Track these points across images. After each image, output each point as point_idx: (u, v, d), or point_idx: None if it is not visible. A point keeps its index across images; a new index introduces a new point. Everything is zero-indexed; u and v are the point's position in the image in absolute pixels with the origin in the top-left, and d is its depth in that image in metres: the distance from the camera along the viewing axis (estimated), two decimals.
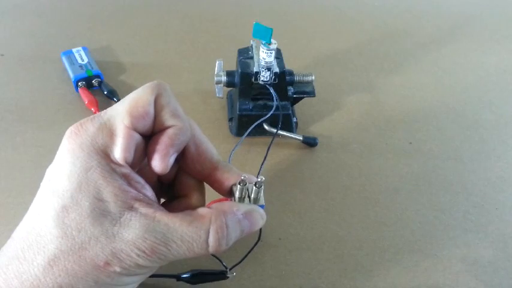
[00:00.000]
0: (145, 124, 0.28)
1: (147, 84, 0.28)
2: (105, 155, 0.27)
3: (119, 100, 0.51)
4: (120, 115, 0.27)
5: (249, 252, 0.37)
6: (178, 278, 0.36)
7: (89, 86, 0.52)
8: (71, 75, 0.52)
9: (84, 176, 0.26)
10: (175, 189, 0.32)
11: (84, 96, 0.51)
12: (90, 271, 0.25)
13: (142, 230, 0.25)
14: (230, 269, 0.36)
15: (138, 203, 0.26)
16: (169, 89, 0.29)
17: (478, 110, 0.55)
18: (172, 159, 0.28)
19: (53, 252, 0.25)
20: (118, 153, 0.27)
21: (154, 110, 0.28)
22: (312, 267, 0.39)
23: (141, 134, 0.28)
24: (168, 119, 0.28)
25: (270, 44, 0.43)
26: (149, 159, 0.28)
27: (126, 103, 0.28)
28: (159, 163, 0.28)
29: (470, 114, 0.55)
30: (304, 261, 0.39)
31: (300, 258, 0.40)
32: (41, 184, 0.27)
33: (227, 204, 0.29)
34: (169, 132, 0.28)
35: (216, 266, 0.36)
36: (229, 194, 0.30)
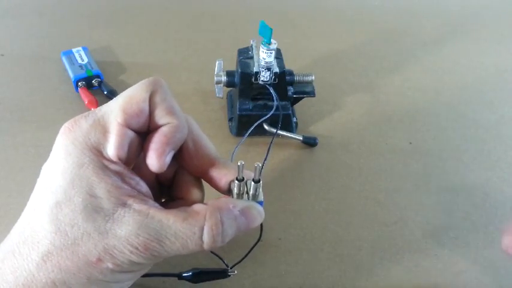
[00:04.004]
0: (140, 121, 0.27)
1: (143, 81, 0.28)
2: (97, 151, 0.26)
3: None
4: (114, 112, 0.27)
5: (250, 250, 0.37)
6: (179, 276, 0.36)
7: (89, 86, 0.52)
8: (71, 75, 0.52)
9: (77, 172, 0.26)
10: (174, 190, 0.31)
11: (84, 96, 0.51)
12: (82, 267, 0.25)
13: (135, 227, 0.25)
14: (231, 268, 0.36)
15: (131, 200, 0.26)
16: (166, 85, 0.29)
17: (478, 110, 0.55)
18: (168, 158, 0.28)
19: (46, 248, 0.25)
20: (111, 150, 0.27)
21: (149, 107, 0.28)
22: (312, 267, 0.39)
23: (136, 131, 0.28)
24: (163, 117, 0.28)
25: (269, 44, 0.43)
26: (145, 157, 0.28)
27: (120, 100, 0.27)
28: (155, 162, 0.27)
29: (470, 114, 0.55)
30: (304, 261, 0.39)
31: (300, 258, 0.40)
32: (37, 180, 0.27)
33: (223, 201, 0.28)
34: (164, 130, 0.28)
35: (217, 265, 0.36)
36: (227, 191, 0.30)
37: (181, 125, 0.28)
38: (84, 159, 0.26)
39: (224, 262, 0.36)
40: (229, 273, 0.36)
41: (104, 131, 0.27)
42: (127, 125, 0.27)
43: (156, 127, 0.28)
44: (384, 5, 0.73)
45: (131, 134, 0.27)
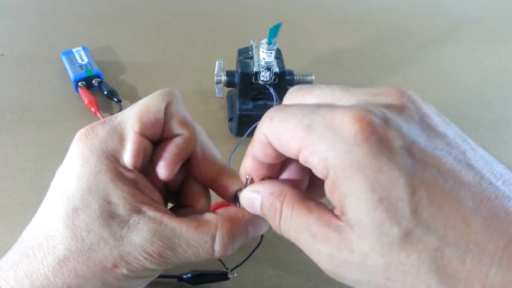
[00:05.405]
0: (155, 131, 0.28)
1: (158, 92, 0.29)
2: (114, 159, 0.27)
3: (119, 100, 0.51)
4: (131, 120, 0.28)
5: (250, 254, 0.37)
6: (179, 278, 0.36)
7: (89, 86, 0.52)
8: (71, 75, 0.52)
9: (93, 178, 0.26)
10: (181, 197, 0.32)
11: (84, 96, 0.51)
12: (98, 272, 0.25)
13: (150, 234, 0.26)
14: (231, 271, 0.36)
15: (146, 207, 0.27)
16: (179, 96, 0.30)
17: (478, 110, 0.55)
18: (177, 167, 0.29)
19: (62, 253, 0.25)
20: (127, 158, 0.27)
21: (164, 117, 0.28)
22: (312, 267, 0.39)
23: (150, 140, 0.29)
24: (176, 128, 0.29)
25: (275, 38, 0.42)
26: (156, 165, 0.29)
27: (137, 109, 0.28)
28: (165, 170, 0.28)
29: (470, 114, 0.55)
30: (304, 261, 0.39)
31: (300, 258, 0.40)
32: (51, 184, 0.28)
33: (232, 210, 0.29)
34: (176, 141, 0.29)
35: (217, 267, 0.36)
36: (234, 199, 0.30)
37: (192, 137, 0.29)
38: (101, 166, 0.27)
39: (224, 265, 0.36)
40: (229, 276, 0.36)
41: (121, 139, 0.27)
42: (142, 133, 0.28)
43: (168, 137, 0.29)
44: (384, 5, 0.73)
45: (146, 142, 0.28)
